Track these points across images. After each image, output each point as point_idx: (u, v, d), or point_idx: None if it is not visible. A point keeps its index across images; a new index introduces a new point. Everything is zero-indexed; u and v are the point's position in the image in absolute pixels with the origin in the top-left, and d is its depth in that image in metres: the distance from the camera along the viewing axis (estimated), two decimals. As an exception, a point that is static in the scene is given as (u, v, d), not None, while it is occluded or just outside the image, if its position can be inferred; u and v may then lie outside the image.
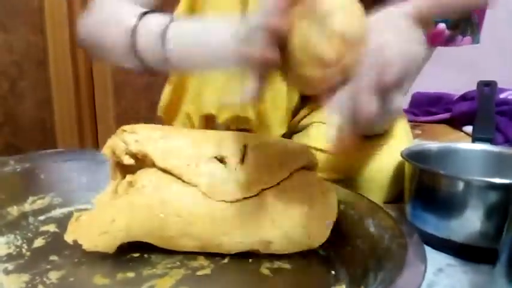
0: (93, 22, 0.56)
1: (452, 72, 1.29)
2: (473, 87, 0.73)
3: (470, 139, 0.66)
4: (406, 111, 1.21)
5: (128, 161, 0.44)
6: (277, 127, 0.67)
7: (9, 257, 0.42)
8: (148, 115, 1.49)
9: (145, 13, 0.52)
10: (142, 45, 0.50)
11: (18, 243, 0.45)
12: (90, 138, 1.47)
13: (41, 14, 1.33)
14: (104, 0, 0.57)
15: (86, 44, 0.58)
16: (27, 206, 0.51)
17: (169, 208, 0.41)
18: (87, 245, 0.42)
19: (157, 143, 0.44)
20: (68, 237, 0.42)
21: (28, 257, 0.42)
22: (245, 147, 0.44)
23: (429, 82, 1.06)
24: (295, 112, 0.70)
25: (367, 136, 0.62)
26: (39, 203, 0.52)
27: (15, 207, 0.50)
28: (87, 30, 0.57)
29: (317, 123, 0.67)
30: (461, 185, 0.46)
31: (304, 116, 0.70)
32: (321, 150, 0.61)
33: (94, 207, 0.44)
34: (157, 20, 0.50)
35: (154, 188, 0.42)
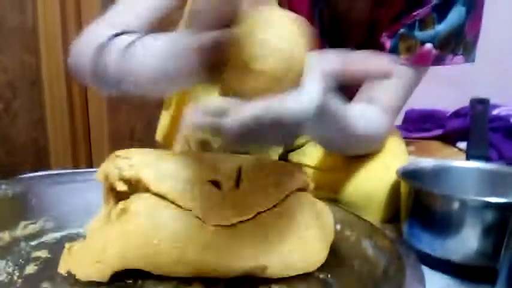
0: (76, 45, 0.57)
1: (445, 89, 1.30)
2: (466, 103, 0.73)
3: (463, 155, 0.66)
4: (399, 127, 1.22)
5: (121, 187, 0.44)
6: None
7: (1, 285, 0.41)
8: (143, 134, 1.49)
9: (120, 34, 0.51)
10: (108, 62, 0.49)
11: (10, 269, 0.44)
12: (84, 158, 1.47)
13: (35, 34, 1.34)
14: (92, 26, 0.57)
15: (71, 67, 0.58)
16: (18, 232, 0.50)
17: (163, 234, 0.40)
18: (81, 275, 0.41)
19: (151, 168, 0.43)
20: (62, 269, 0.41)
21: (20, 284, 0.41)
22: (240, 169, 0.44)
23: (422, 98, 1.06)
24: None
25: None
26: (31, 228, 0.51)
27: (7, 232, 0.49)
28: (71, 54, 0.58)
29: (313, 141, 0.67)
30: (457, 205, 0.46)
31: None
32: (317, 168, 0.60)
33: (86, 233, 0.43)
34: (127, 38, 0.49)
35: (148, 214, 0.41)
